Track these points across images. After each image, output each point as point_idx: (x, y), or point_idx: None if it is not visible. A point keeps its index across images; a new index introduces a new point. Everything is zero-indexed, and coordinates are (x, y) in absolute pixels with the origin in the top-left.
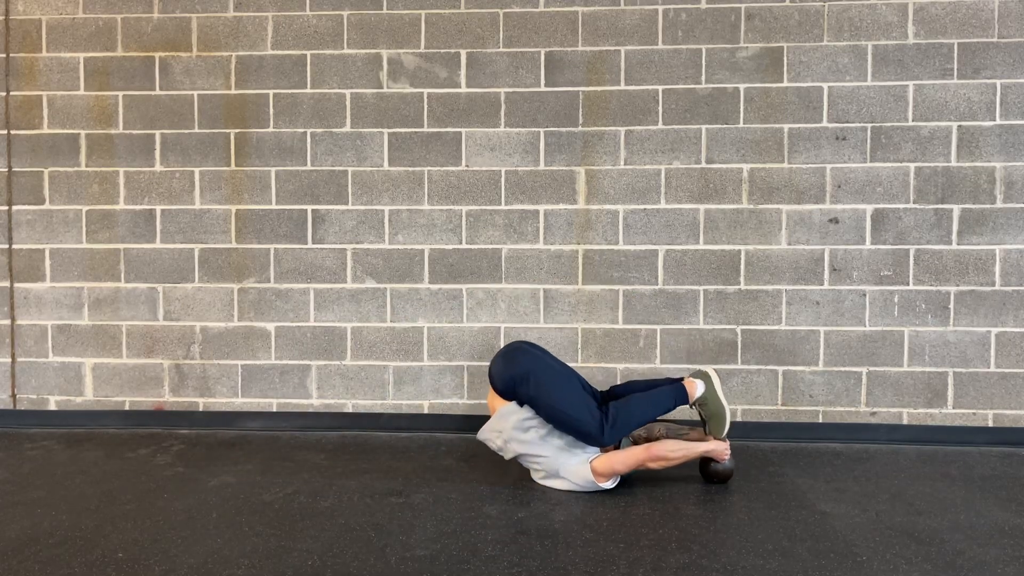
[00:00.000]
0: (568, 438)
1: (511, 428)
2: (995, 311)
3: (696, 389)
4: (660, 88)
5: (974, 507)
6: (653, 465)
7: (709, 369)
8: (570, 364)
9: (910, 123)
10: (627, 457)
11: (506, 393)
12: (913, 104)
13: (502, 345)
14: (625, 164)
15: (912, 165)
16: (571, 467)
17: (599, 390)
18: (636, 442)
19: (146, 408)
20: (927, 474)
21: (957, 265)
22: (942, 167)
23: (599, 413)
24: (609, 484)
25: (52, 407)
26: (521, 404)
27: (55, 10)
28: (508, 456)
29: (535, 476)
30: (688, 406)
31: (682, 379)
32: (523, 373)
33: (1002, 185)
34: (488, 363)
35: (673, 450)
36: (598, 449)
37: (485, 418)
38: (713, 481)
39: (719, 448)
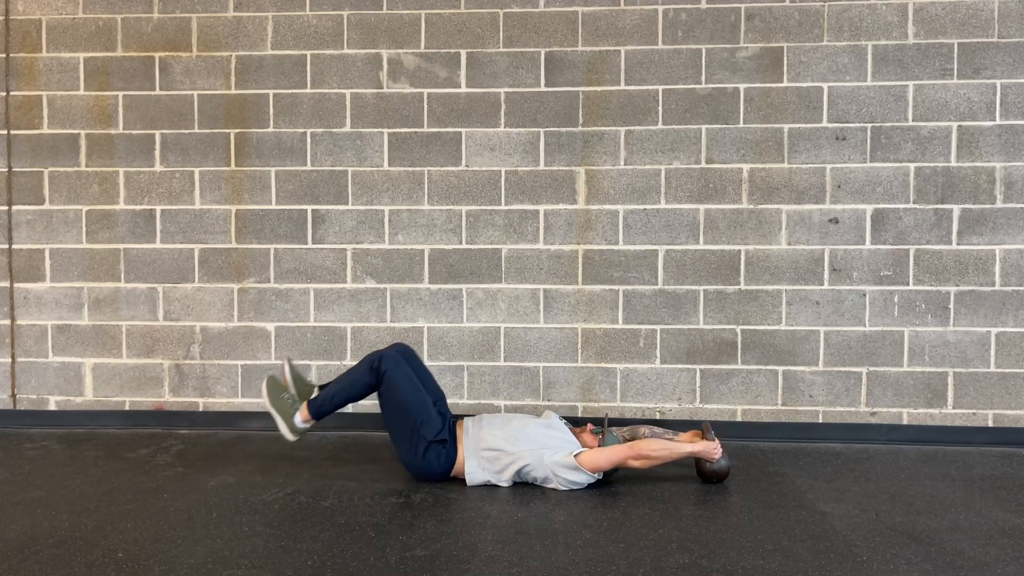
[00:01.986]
0: (544, 440)
1: (491, 475)
2: (995, 311)
3: (301, 415)
4: (660, 88)
5: (974, 507)
6: (635, 463)
7: (284, 431)
8: (570, 364)
9: (910, 123)
10: (611, 454)
11: (427, 475)
12: (913, 104)
13: (502, 345)
14: (625, 164)
15: (912, 165)
16: (558, 462)
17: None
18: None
19: (146, 408)
20: (927, 474)
21: (957, 265)
22: (942, 167)
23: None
24: (594, 476)
25: (52, 407)
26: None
27: (55, 10)
28: (509, 483)
29: (531, 481)
30: (308, 401)
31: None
32: (407, 456)
33: (1002, 185)
34: (488, 363)
35: (655, 449)
36: (579, 445)
37: None
38: (711, 481)
39: (707, 448)
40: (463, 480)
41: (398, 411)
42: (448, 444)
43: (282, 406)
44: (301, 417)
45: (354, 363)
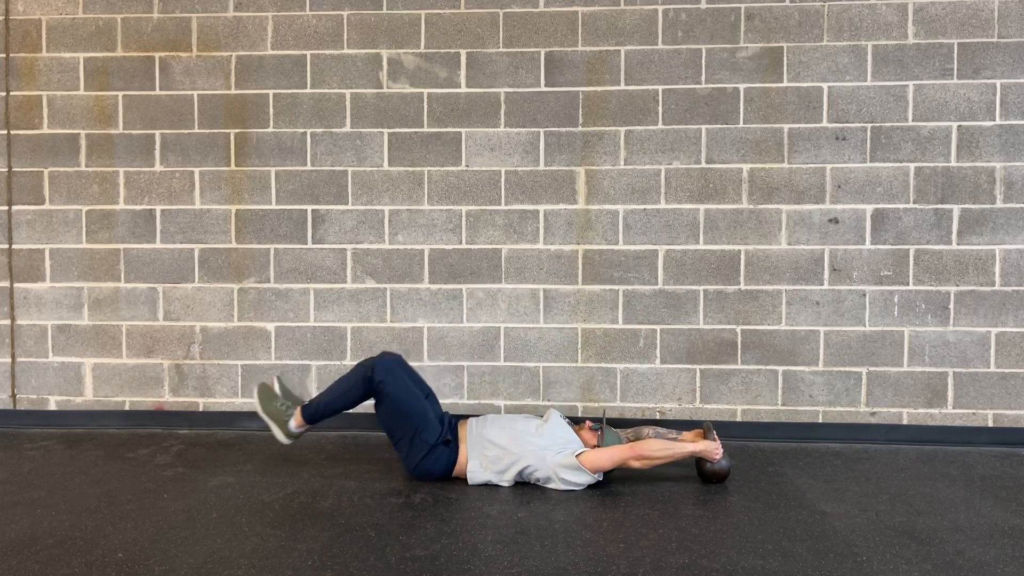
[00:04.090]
0: (546, 439)
1: (492, 474)
2: (995, 311)
3: (295, 421)
4: (660, 88)
5: (974, 507)
6: (636, 464)
7: (278, 435)
8: (570, 364)
9: (910, 123)
10: (612, 454)
11: (429, 475)
12: (913, 104)
13: (502, 345)
14: (625, 164)
15: (912, 165)
16: (559, 462)
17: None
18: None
19: (146, 408)
20: (927, 474)
21: (957, 265)
22: (942, 167)
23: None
24: (595, 477)
25: (52, 407)
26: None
27: (55, 10)
28: (510, 483)
29: (534, 482)
30: (302, 407)
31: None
32: (410, 460)
33: (1002, 185)
34: (488, 363)
35: (656, 450)
36: (581, 445)
37: None
38: (711, 481)
39: (708, 448)
40: (463, 480)
41: (398, 419)
42: (451, 444)
43: (275, 412)
44: (295, 423)
45: (354, 363)
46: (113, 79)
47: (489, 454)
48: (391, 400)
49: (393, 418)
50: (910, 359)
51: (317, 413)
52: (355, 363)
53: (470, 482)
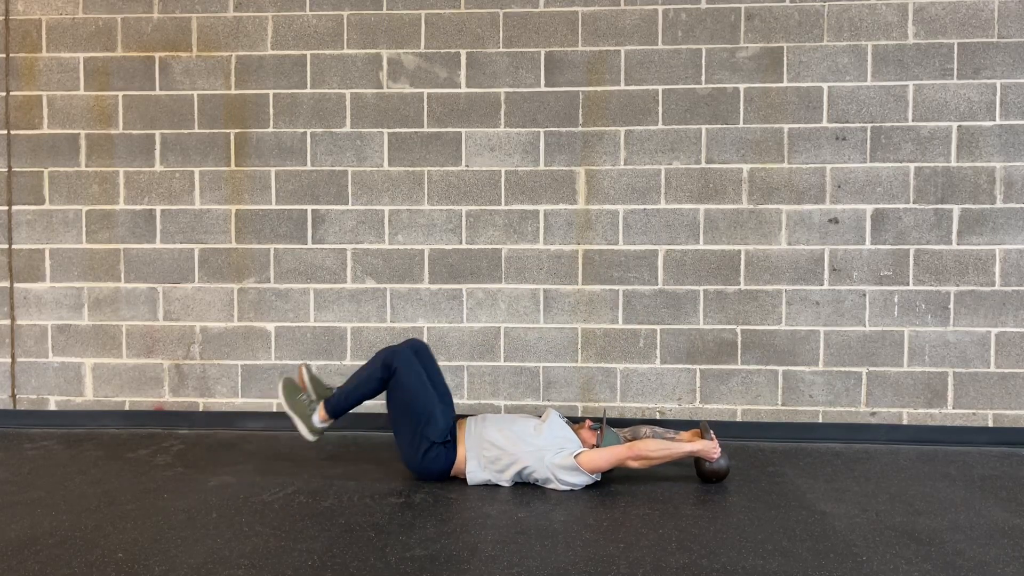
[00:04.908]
0: (545, 439)
1: (489, 474)
2: (995, 311)
3: (319, 416)
4: (660, 88)
5: (974, 507)
6: (634, 464)
7: (303, 431)
8: (570, 364)
9: (910, 123)
10: (610, 454)
11: (426, 474)
12: (913, 104)
13: (502, 345)
14: (625, 164)
15: (912, 165)
16: (557, 463)
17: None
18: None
19: (146, 408)
20: (927, 474)
21: (957, 265)
22: (942, 167)
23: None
24: (593, 478)
25: (52, 407)
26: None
27: (55, 10)
28: (509, 483)
29: (533, 482)
30: (325, 400)
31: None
32: (408, 454)
33: (1002, 185)
34: (488, 363)
35: (654, 449)
36: (580, 445)
37: None
38: (710, 481)
39: (707, 448)
40: (463, 479)
41: (404, 409)
42: (449, 446)
43: (299, 407)
44: (319, 417)
45: (354, 363)
46: (113, 79)
47: (487, 454)
48: (401, 388)
49: (399, 408)
50: (910, 359)
51: (340, 404)
52: (354, 363)
53: (469, 482)
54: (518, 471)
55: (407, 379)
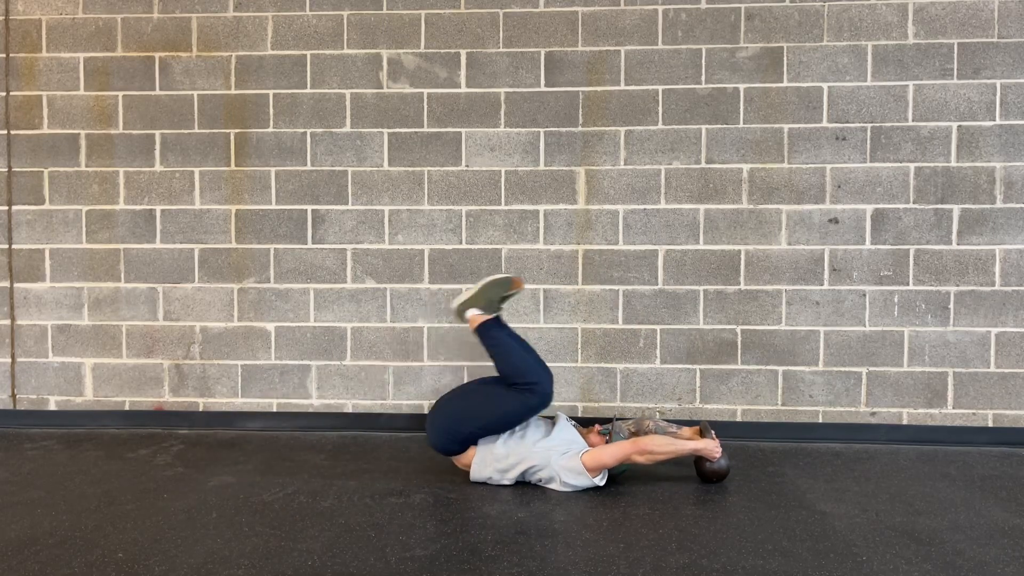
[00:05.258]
0: (553, 440)
1: (494, 472)
2: (995, 311)
3: (476, 315)
4: (660, 88)
5: (974, 507)
6: (639, 459)
7: (452, 307)
8: (570, 364)
9: (910, 123)
10: (615, 450)
11: (452, 451)
12: (913, 104)
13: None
14: (625, 164)
15: (912, 165)
16: (564, 465)
17: None
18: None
19: (146, 408)
20: (927, 474)
21: (957, 265)
22: (942, 167)
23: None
24: (599, 479)
25: (52, 407)
26: (466, 446)
27: (55, 10)
28: (511, 482)
29: (536, 482)
30: (493, 316)
31: (471, 327)
32: (447, 428)
33: (1002, 185)
34: (489, 363)
35: (660, 445)
36: (586, 444)
37: None
38: (710, 480)
39: (709, 446)
40: (463, 479)
41: (498, 410)
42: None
43: (492, 300)
44: (487, 317)
45: (354, 363)
46: (113, 79)
47: (497, 451)
48: (514, 399)
49: (495, 405)
50: (910, 359)
51: (504, 329)
52: (354, 363)
53: (472, 477)
54: (523, 470)
55: (523, 399)
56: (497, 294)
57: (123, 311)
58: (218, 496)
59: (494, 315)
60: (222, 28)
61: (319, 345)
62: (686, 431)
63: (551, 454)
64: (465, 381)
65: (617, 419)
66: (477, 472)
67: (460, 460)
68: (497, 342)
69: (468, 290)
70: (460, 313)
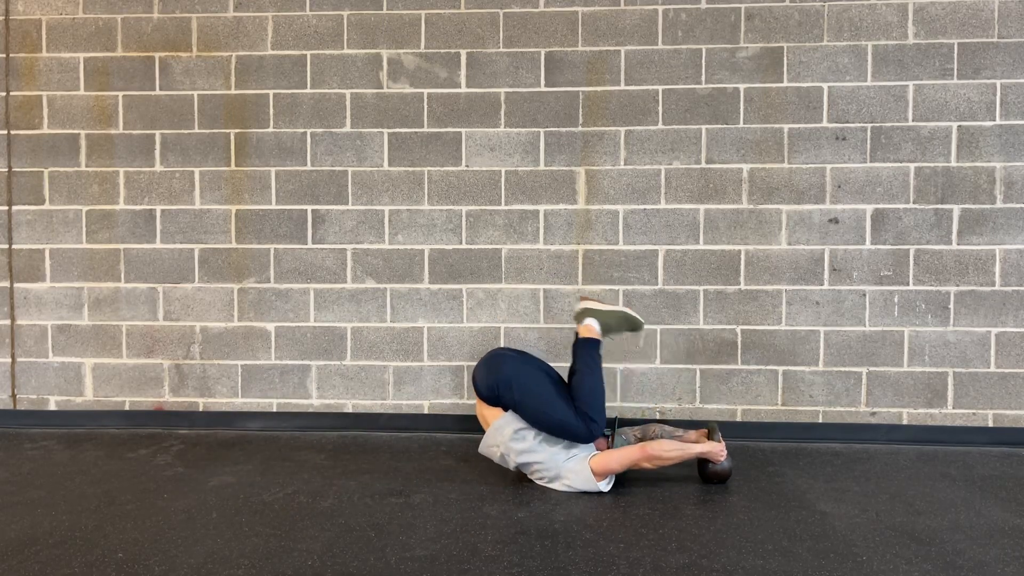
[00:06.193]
0: (563, 440)
1: (507, 441)
2: (995, 311)
3: (594, 328)
4: (660, 88)
5: (974, 507)
6: (647, 464)
7: (579, 305)
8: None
9: (910, 123)
10: (622, 456)
11: (490, 399)
12: (913, 104)
13: (503, 345)
14: (625, 164)
15: (912, 165)
16: (570, 468)
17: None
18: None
19: (146, 408)
20: (927, 474)
21: (957, 265)
22: (942, 167)
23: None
24: (605, 484)
25: (52, 407)
26: (506, 410)
27: (55, 10)
28: (512, 467)
29: (538, 481)
30: (606, 339)
31: (578, 335)
32: (506, 379)
33: (1002, 185)
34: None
35: (668, 450)
36: (594, 448)
37: None
38: (712, 482)
39: (714, 449)
40: (463, 479)
41: (555, 417)
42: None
43: (609, 328)
44: (594, 331)
45: (354, 363)
46: (113, 79)
47: (526, 435)
48: (550, 414)
49: (549, 412)
50: (910, 359)
51: (601, 360)
52: (354, 363)
53: (484, 441)
54: (528, 461)
55: (580, 426)
56: (620, 327)
57: (123, 311)
58: (218, 496)
59: (602, 338)
60: (222, 28)
61: (319, 345)
62: (692, 434)
63: (558, 456)
64: (465, 381)
65: (618, 419)
66: (492, 436)
67: (485, 409)
68: (595, 364)
69: (602, 301)
70: (584, 315)
